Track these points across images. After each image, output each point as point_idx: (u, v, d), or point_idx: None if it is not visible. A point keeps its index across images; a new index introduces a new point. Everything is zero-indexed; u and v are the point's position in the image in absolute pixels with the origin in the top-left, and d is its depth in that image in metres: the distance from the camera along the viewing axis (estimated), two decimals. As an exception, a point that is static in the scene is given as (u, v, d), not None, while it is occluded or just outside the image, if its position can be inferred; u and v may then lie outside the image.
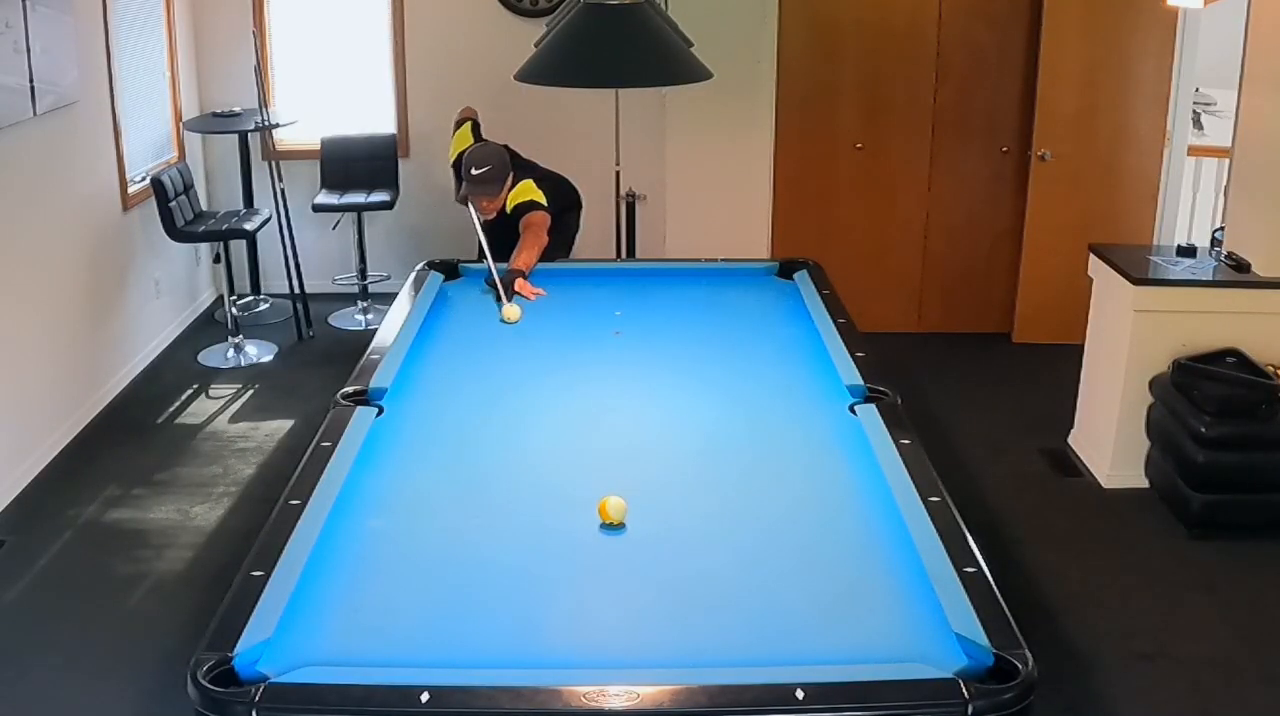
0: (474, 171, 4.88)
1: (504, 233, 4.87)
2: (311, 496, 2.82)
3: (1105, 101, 6.14)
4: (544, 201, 4.90)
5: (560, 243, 5.16)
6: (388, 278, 6.92)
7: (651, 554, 2.70)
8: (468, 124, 5.46)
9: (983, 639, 2.26)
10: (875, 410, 3.33)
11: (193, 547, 4.39)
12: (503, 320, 4.18)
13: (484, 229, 4.74)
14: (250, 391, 5.90)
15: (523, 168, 5.11)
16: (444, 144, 6.94)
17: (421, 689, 2.11)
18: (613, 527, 2.76)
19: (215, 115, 6.72)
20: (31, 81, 4.81)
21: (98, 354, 5.62)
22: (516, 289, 4.41)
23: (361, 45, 6.96)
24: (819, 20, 6.27)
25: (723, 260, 4.92)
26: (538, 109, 6.55)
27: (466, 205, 4.99)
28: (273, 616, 2.34)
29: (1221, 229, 5.01)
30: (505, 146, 5.14)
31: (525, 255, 4.60)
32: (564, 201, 5.23)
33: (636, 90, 5.66)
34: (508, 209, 4.93)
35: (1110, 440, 4.87)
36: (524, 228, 4.81)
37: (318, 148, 6.77)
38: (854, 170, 6.44)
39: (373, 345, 3.86)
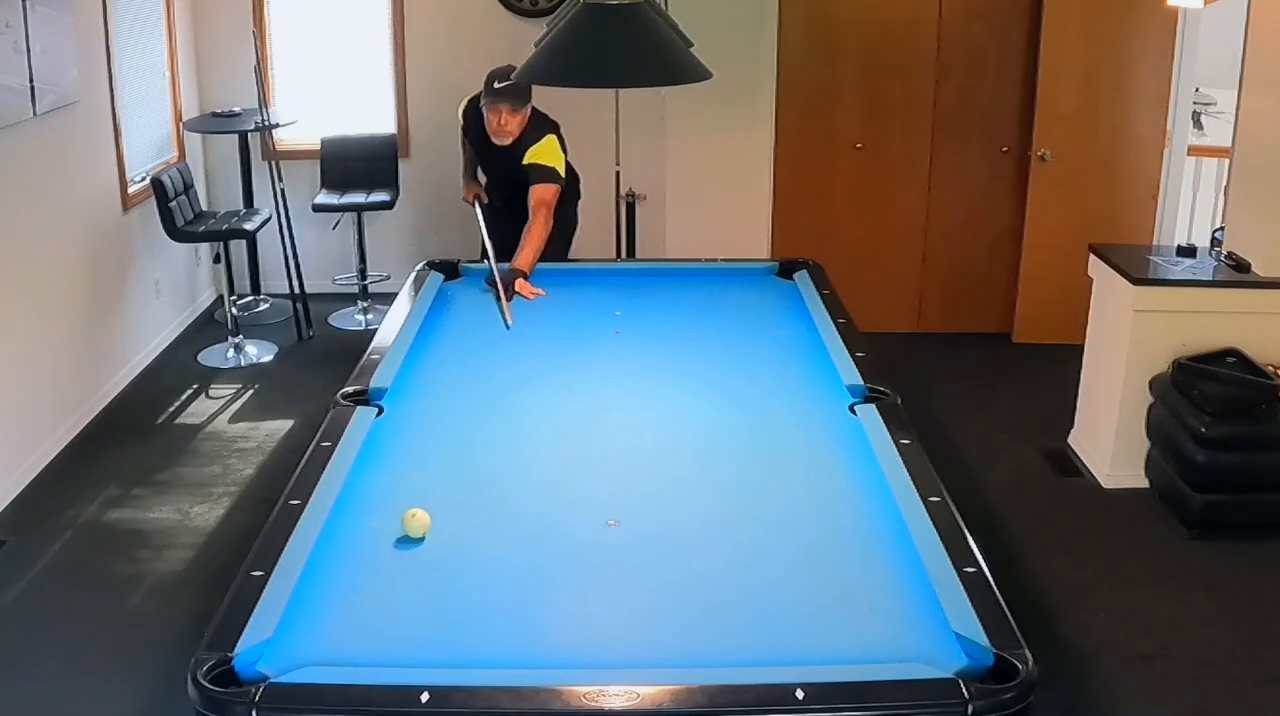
0: (497, 84, 4.77)
1: (513, 188, 4.79)
2: (311, 496, 2.82)
3: (1105, 101, 6.14)
4: (562, 171, 4.83)
5: (560, 234, 5.06)
6: (388, 278, 6.92)
7: (652, 554, 2.70)
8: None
9: (983, 639, 2.26)
10: (875, 410, 3.33)
11: (193, 547, 4.39)
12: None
13: (492, 179, 4.63)
14: (250, 391, 5.90)
15: (547, 120, 5.00)
16: (445, 145, 6.95)
17: (421, 689, 2.11)
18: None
19: (215, 115, 6.72)
20: (31, 81, 4.81)
21: (98, 354, 5.62)
22: (516, 289, 4.41)
23: (361, 45, 6.96)
24: (819, 20, 6.27)
25: (723, 260, 4.93)
26: (537, 109, 6.54)
27: (473, 205, 5.00)
28: (273, 616, 2.34)
29: (1221, 229, 5.01)
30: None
31: (527, 253, 4.58)
32: (570, 188, 5.12)
33: (636, 90, 5.65)
34: (524, 158, 4.83)
35: (1110, 440, 4.87)
36: (534, 207, 4.72)
37: (318, 148, 6.77)
38: (854, 170, 6.44)
39: (373, 345, 3.86)
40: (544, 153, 4.83)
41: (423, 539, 2.71)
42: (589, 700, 2.11)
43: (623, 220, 6.24)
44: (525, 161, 4.84)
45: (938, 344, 6.50)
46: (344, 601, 2.50)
